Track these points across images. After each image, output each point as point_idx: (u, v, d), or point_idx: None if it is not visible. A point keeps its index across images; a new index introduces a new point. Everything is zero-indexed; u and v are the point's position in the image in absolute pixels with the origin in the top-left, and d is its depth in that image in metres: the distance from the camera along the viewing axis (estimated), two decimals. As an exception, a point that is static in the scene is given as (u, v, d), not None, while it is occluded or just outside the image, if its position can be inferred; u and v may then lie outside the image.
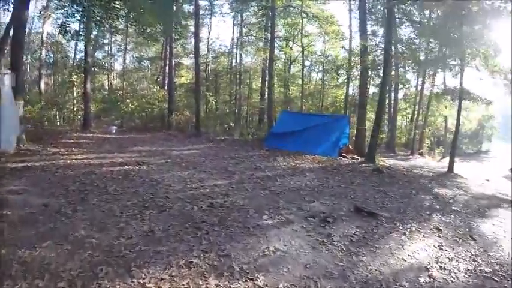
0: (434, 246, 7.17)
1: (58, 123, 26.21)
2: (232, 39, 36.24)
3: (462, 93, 19.20)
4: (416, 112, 33.24)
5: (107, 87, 36.95)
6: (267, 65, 29.60)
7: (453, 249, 7.10)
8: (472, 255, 6.92)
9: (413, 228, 8.12)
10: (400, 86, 32.88)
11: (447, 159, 27.78)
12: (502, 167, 28.62)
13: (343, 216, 8.62)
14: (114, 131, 25.20)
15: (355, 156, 19.41)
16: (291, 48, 34.76)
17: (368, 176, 14.27)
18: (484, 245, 7.54)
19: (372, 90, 33.64)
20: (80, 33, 23.78)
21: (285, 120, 21.61)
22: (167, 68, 29.22)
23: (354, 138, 23.20)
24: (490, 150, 45.96)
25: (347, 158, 18.91)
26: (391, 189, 12.12)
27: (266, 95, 30.19)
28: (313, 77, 40.21)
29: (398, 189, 12.42)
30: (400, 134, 35.54)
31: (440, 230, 8.20)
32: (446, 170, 19.00)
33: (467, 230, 8.52)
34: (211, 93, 30.19)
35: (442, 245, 7.24)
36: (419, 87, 34.06)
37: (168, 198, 8.90)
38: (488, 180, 18.72)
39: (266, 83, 31.99)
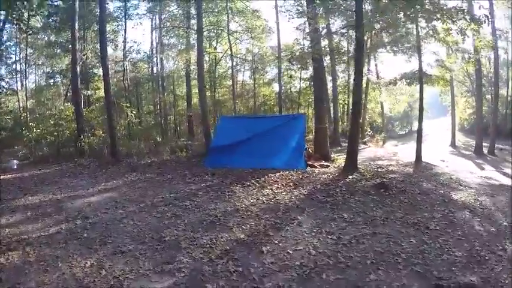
0: None
1: None
2: (152, 43, 29.99)
3: (422, 75, 17.12)
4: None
5: (19, 111, 28.62)
6: (195, 67, 24.09)
7: None
8: None
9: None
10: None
11: (388, 144, 26.01)
12: (439, 143, 29.98)
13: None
14: (15, 167, 18.63)
15: (325, 163, 14.51)
16: (215, 48, 28.98)
17: (380, 200, 9.21)
18: None
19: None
20: None
21: (226, 129, 15.79)
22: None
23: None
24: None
25: (316, 167, 13.85)
26: (424, 216, 8.00)
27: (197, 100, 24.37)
28: (240, 77, 34.69)
29: (429, 213, 8.29)
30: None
31: None
32: (414, 159, 16.33)
33: None
34: (128, 104, 23.08)
35: None
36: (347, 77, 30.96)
37: None
38: (444, 161, 18.59)
39: (193, 87, 27.52)
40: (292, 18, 25.62)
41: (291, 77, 29.69)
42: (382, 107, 32.86)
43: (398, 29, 16.60)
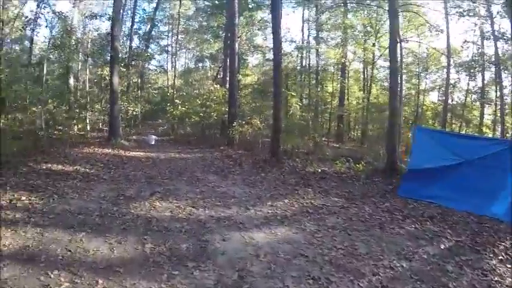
0: None
1: (77, 129, 15.81)
2: (302, 31, 25.02)
3: None
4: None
5: (167, 88, 26.76)
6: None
7: None
8: None
9: None
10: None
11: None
12: None
13: None
14: (153, 142, 15.62)
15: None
16: (373, 44, 22.71)
17: None
18: None
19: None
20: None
21: (426, 145, 9.27)
22: (228, 61, 17.94)
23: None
24: None
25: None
26: None
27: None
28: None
29: None
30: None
31: None
32: None
33: None
34: (294, 93, 17.84)
35: None
36: None
37: None
38: None
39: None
40: (463, 16, 18.33)
41: (454, 86, 21.86)
42: None
43: None
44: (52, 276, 3.91)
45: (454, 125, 22.38)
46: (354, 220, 6.31)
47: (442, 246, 5.53)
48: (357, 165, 10.88)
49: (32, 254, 4.36)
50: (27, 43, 19.06)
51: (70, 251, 4.48)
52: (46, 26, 16.12)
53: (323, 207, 6.87)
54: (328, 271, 4.42)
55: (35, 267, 4.07)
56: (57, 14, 14.77)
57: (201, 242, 4.98)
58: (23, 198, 6.29)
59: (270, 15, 23.79)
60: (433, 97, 25.45)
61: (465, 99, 21.94)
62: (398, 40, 12.80)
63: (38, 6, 14.86)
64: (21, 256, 4.29)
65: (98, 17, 16.88)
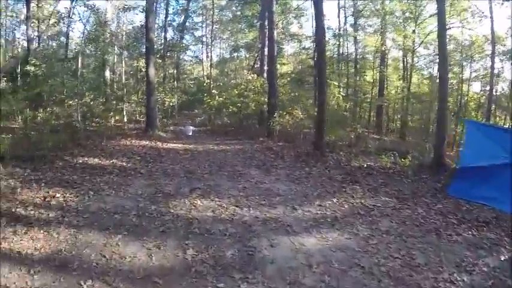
0: None
1: (114, 121, 15.65)
2: (339, 17, 22.96)
3: None
4: None
5: (203, 78, 26.29)
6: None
7: None
8: None
9: None
10: None
11: None
12: None
13: None
14: (190, 133, 15.29)
15: None
16: (413, 31, 20.99)
17: None
18: None
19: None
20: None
21: (477, 141, 8.10)
22: (266, 50, 17.37)
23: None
24: None
25: None
26: None
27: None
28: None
29: None
30: None
31: None
32: None
33: None
34: (336, 83, 17.06)
35: None
36: None
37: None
38: None
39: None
40: (507, 0, 16.70)
41: (498, 75, 19.92)
42: None
43: None
44: (85, 286, 3.52)
45: (497, 118, 20.84)
46: (408, 224, 5.60)
47: (502, 258, 4.78)
48: (403, 160, 10.01)
49: (64, 259, 4.00)
50: (63, 39, 19.37)
51: (105, 256, 4.11)
52: (79, 20, 16.09)
53: (374, 209, 6.17)
54: (386, 285, 3.83)
55: (68, 275, 3.70)
56: (90, 7, 14.67)
57: (247, 248, 4.46)
58: (58, 195, 5.99)
59: (305, 3, 23.33)
60: (475, 87, 23.91)
61: (510, 90, 20.34)
62: (447, 26, 11.75)
63: (71, 1, 14.88)
64: (53, 262, 3.94)
65: (131, 9, 16.67)
